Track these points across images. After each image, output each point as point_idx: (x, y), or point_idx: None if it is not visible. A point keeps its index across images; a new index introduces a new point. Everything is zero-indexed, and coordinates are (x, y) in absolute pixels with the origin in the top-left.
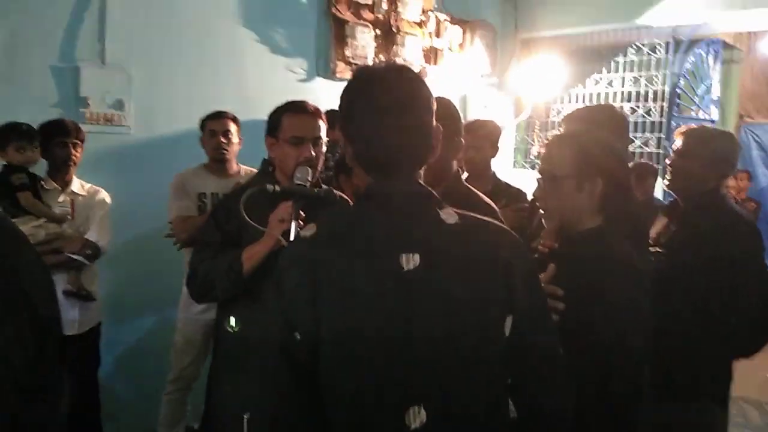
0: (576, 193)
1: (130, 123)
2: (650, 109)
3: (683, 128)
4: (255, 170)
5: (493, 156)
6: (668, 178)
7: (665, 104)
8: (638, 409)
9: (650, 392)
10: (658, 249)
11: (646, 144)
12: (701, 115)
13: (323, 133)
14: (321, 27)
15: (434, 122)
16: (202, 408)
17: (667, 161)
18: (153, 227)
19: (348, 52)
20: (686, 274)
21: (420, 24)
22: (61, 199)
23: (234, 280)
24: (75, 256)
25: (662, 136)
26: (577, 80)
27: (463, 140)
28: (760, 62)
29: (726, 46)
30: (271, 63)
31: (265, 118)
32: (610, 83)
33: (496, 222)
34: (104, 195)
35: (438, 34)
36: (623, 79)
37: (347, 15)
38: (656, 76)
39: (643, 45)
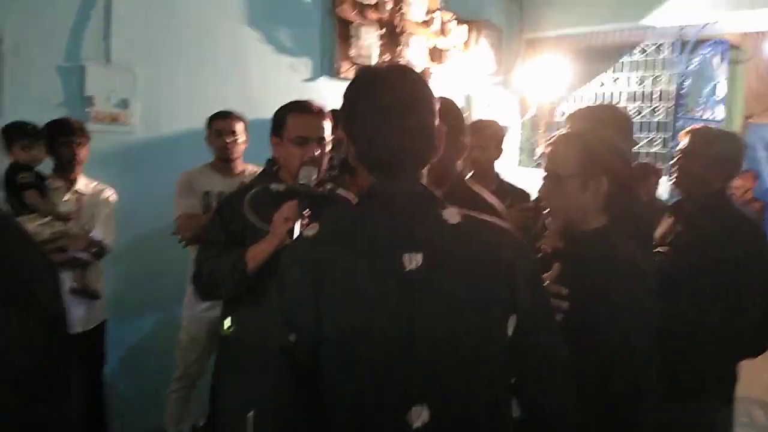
0: (580, 192)
1: (135, 122)
2: (656, 110)
3: (689, 128)
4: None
5: (498, 156)
6: (674, 178)
7: (671, 104)
8: (640, 409)
9: (656, 393)
10: (663, 249)
11: (651, 144)
12: (707, 115)
13: (328, 133)
14: (325, 27)
15: (437, 122)
16: (207, 405)
17: (673, 161)
18: (158, 226)
19: (352, 52)
20: (692, 275)
21: (425, 24)
22: (66, 197)
23: (238, 278)
24: (80, 255)
25: (668, 136)
26: (583, 80)
27: (466, 140)
28: (766, 62)
29: (732, 46)
30: (276, 62)
31: (270, 117)
32: (615, 83)
33: (499, 222)
34: (109, 193)
35: (443, 34)
36: (629, 79)
37: (352, 15)
38: (662, 77)
39: (648, 45)
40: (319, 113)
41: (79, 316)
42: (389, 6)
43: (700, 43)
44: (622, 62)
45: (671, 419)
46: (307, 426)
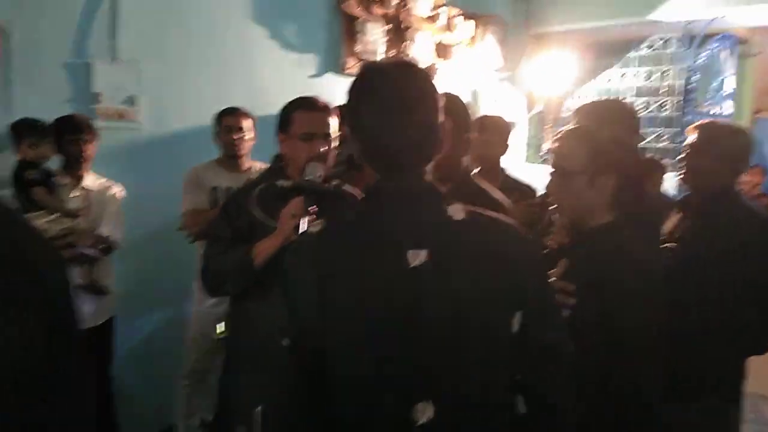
0: (588, 188)
1: (142, 119)
2: (663, 105)
3: (696, 124)
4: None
5: (504, 152)
6: (682, 173)
7: (679, 99)
8: (646, 407)
9: (659, 392)
10: (671, 245)
11: (659, 139)
12: (715, 110)
13: (334, 129)
14: (331, 23)
15: (441, 118)
16: (215, 400)
17: (681, 156)
18: (165, 222)
19: (358, 48)
20: (700, 268)
21: (431, 19)
22: (74, 194)
23: (245, 274)
24: (88, 251)
25: (676, 131)
26: (590, 75)
27: (472, 136)
28: None
29: (740, 40)
30: (282, 59)
31: (275, 113)
32: (623, 78)
33: (504, 218)
34: (117, 190)
35: (449, 29)
36: (636, 74)
37: (357, 11)
38: (669, 71)
39: (656, 40)
40: (325, 109)
41: (87, 312)
42: (395, 1)
43: (708, 37)
44: (630, 57)
45: (683, 417)
46: (313, 423)
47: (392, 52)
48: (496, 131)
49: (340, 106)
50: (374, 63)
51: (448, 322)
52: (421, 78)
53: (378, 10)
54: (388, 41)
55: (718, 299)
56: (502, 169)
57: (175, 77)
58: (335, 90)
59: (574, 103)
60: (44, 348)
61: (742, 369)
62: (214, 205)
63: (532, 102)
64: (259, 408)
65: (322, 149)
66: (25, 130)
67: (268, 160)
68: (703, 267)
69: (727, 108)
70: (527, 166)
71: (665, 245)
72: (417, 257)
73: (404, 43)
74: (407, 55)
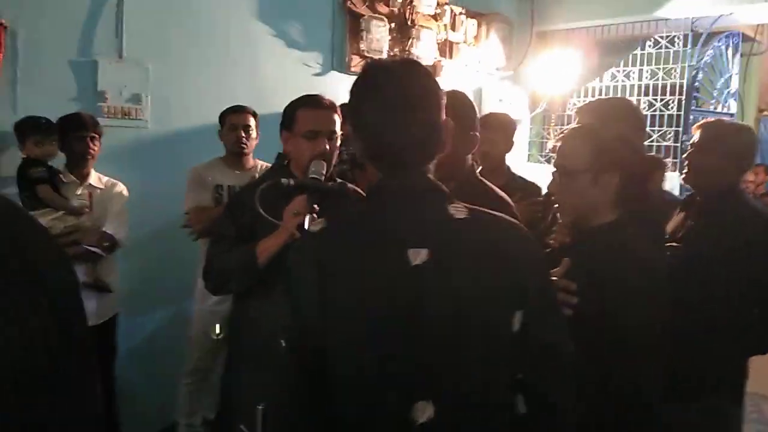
0: (591, 187)
1: (147, 117)
2: (668, 103)
3: (701, 122)
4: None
5: (508, 150)
6: (685, 172)
7: (683, 98)
8: (647, 407)
9: (659, 392)
10: (674, 244)
11: (663, 138)
12: (720, 108)
13: (338, 127)
14: (336, 21)
15: (444, 116)
16: (218, 398)
17: (685, 155)
18: (169, 220)
19: (363, 46)
20: (704, 266)
21: (435, 17)
22: (79, 192)
23: (249, 272)
24: (92, 248)
25: (680, 129)
26: (594, 74)
27: (477, 134)
28: None
29: (746, 38)
30: (286, 57)
31: (280, 111)
32: (627, 76)
33: (506, 217)
34: (122, 188)
35: (453, 28)
36: (641, 72)
37: (362, 9)
38: (674, 69)
39: (661, 38)
40: (329, 107)
41: (91, 309)
42: None
43: (713, 35)
44: (634, 55)
45: (685, 417)
46: (314, 421)
47: (396, 51)
48: (501, 129)
49: (343, 105)
50: (377, 61)
51: (449, 320)
52: (424, 76)
53: (382, 8)
54: (392, 39)
55: (721, 298)
56: (508, 167)
57: (179, 76)
58: (339, 88)
59: (577, 102)
60: (45, 348)
61: (744, 368)
62: (218, 203)
63: (536, 100)
64: (261, 407)
65: (326, 147)
66: (30, 128)
67: (272, 158)
68: (707, 266)
69: (732, 106)
70: (530, 165)
71: (669, 244)
72: (418, 256)
73: (409, 41)
74: (414, 52)
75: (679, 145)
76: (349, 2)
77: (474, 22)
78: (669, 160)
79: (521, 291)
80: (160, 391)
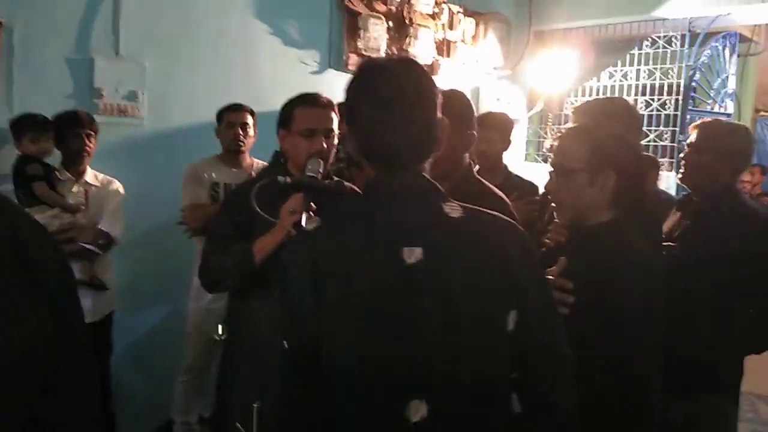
0: (588, 186)
1: (144, 114)
2: (665, 103)
3: (698, 122)
4: (267, 164)
5: (505, 149)
6: (682, 172)
7: (680, 98)
8: (645, 406)
9: (663, 389)
10: (670, 243)
11: (660, 137)
12: (717, 108)
13: (335, 126)
14: (333, 19)
15: (439, 115)
16: (214, 396)
17: (681, 155)
18: (165, 218)
19: (360, 44)
20: (699, 266)
21: (433, 16)
22: (75, 189)
23: (245, 271)
24: (88, 246)
25: (677, 129)
26: (592, 73)
27: (475, 133)
28: None
29: (743, 38)
30: (284, 55)
31: (277, 110)
32: (624, 76)
33: (502, 216)
34: (118, 185)
35: (451, 27)
36: (638, 71)
37: (360, 7)
38: (671, 69)
39: (658, 37)
40: (327, 106)
41: (86, 307)
42: None
43: (710, 35)
44: (632, 55)
45: (681, 415)
46: (309, 420)
47: (394, 49)
48: (498, 128)
49: (341, 103)
50: (372, 60)
51: (442, 320)
52: (420, 74)
53: (380, 7)
54: (390, 38)
55: (717, 298)
56: (505, 166)
57: (176, 73)
58: (337, 86)
59: (575, 101)
60: (44, 348)
61: (740, 368)
62: (214, 201)
63: (534, 99)
64: (256, 405)
65: (323, 145)
66: (26, 125)
67: (268, 156)
68: (703, 265)
69: (729, 106)
70: (527, 164)
71: (665, 244)
72: (412, 254)
73: (406, 40)
74: (411, 51)
75: (675, 144)
76: (346, 0)
77: (472, 21)
78: (666, 160)
79: (516, 290)
80: (156, 389)
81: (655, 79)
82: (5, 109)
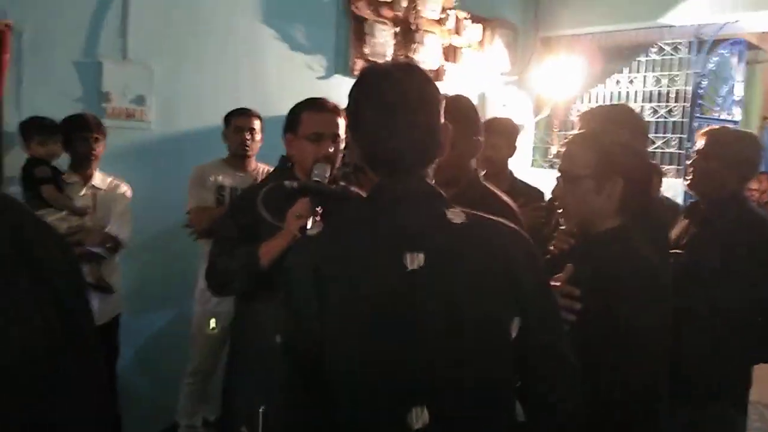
0: (595, 193)
1: (151, 118)
2: (672, 110)
3: (705, 129)
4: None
5: (511, 155)
6: (689, 179)
7: (687, 105)
8: (652, 413)
9: (669, 397)
10: (678, 251)
11: (667, 144)
12: (724, 116)
13: (342, 130)
14: (340, 24)
15: (443, 120)
16: (219, 399)
17: (689, 162)
18: (172, 221)
19: (367, 50)
20: (707, 274)
21: (439, 22)
22: (82, 192)
23: (251, 274)
24: (95, 249)
25: (684, 136)
26: (598, 80)
27: (481, 139)
28: None
29: (750, 46)
30: (291, 60)
31: (284, 114)
32: (631, 83)
33: (506, 222)
34: (125, 189)
35: (457, 32)
36: (645, 78)
37: (366, 12)
38: (679, 76)
39: (665, 45)
40: (333, 111)
41: (93, 309)
42: (404, 4)
43: (717, 42)
44: (639, 62)
45: (688, 424)
46: (312, 425)
47: (400, 55)
48: (504, 134)
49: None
50: (376, 65)
51: (445, 326)
52: (423, 80)
53: (387, 13)
54: (396, 44)
55: (725, 306)
56: (510, 172)
57: (184, 77)
58: (343, 91)
59: (581, 108)
60: (45, 348)
61: (748, 376)
62: (220, 204)
63: (540, 106)
64: (263, 408)
65: (329, 150)
66: (34, 128)
67: (275, 161)
68: (710, 273)
69: (736, 114)
70: (534, 170)
71: (672, 251)
72: (415, 260)
73: (413, 46)
74: (417, 57)
75: (683, 152)
76: (353, 6)
77: (478, 27)
78: (673, 167)
79: (519, 296)
80: (162, 392)
81: (662, 86)
82: (14, 112)
